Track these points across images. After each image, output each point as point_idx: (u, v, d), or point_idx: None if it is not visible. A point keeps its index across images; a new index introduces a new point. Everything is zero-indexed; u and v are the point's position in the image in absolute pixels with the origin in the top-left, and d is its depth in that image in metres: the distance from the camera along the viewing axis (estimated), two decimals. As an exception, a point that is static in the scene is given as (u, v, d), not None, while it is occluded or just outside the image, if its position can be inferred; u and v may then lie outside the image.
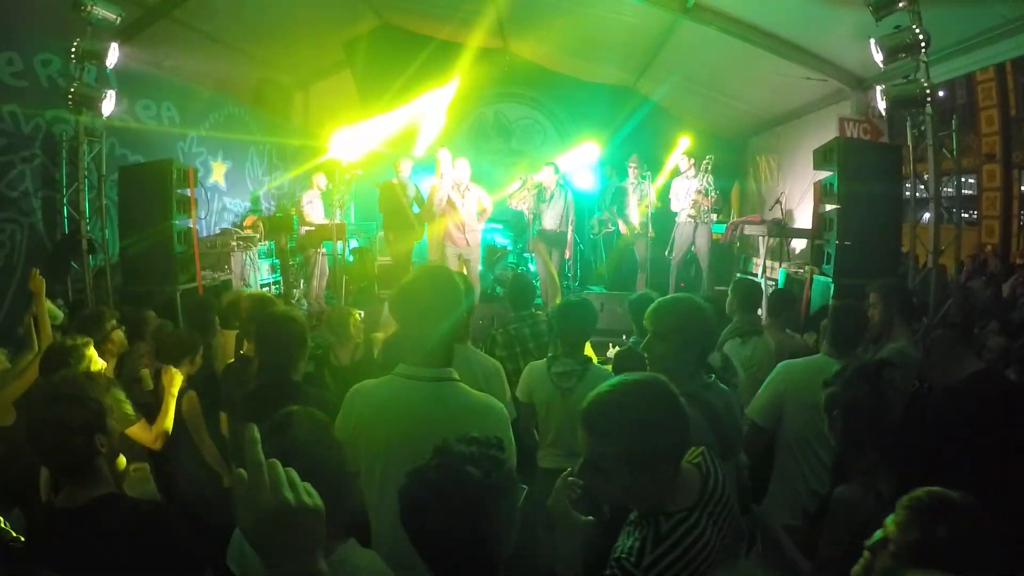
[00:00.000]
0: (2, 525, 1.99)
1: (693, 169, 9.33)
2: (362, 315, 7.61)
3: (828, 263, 6.03)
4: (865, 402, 2.48)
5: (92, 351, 3.25)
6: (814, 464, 3.13)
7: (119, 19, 6.14)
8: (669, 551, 1.69)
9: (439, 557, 1.57)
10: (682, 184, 9.50)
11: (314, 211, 9.92)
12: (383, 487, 2.18)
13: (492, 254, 10.63)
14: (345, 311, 4.76)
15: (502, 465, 1.60)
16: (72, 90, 5.96)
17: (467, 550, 1.53)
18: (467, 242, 8.73)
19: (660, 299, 2.65)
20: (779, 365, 3.40)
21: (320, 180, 10.20)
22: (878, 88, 5.46)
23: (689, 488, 1.80)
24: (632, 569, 1.68)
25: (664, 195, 9.83)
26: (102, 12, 5.92)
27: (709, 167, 9.10)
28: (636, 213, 10.20)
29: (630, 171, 10.41)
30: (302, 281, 10.07)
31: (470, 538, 1.53)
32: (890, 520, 1.74)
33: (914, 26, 5.02)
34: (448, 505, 1.52)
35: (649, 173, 9.96)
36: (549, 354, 3.71)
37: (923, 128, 5.44)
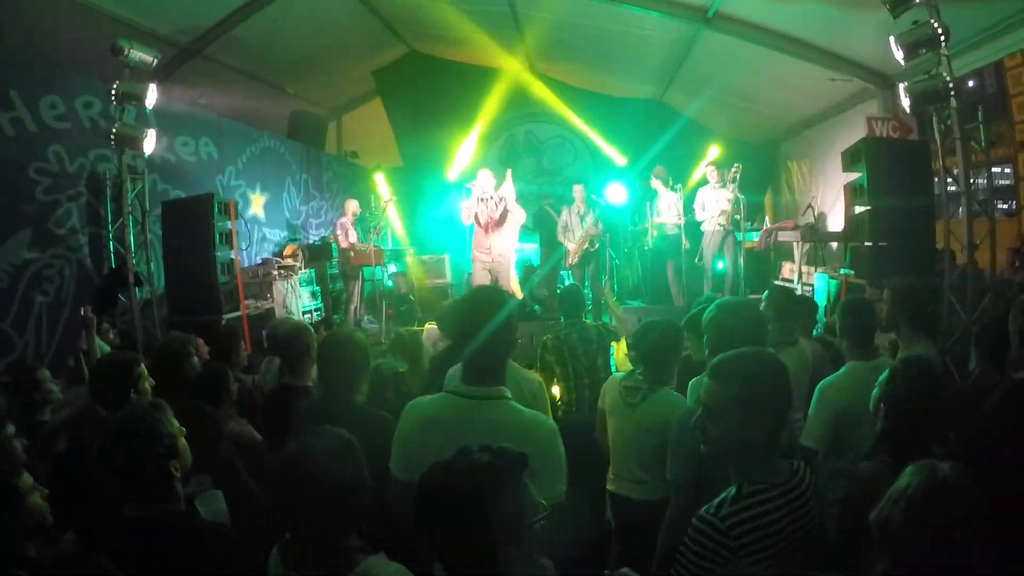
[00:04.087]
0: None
1: (720, 180, 9.35)
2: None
3: (862, 265, 5.96)
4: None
5: (144, 369, 3.36)
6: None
7: (155, 61, 6.40)
8: (745, 510, 1.86)
9: (441, 551, 1.63)
10: (709, 194, 9.52)
11: (348, 237, 10.12)
12: None
13: (527, 272, 10.70)
14: (417, 336, 4.70)
15: (501, 470, 1.65)
16: (114, 131, 6.20)
17: (464, 542, 1.59)
18: (491, 256, 8.67)
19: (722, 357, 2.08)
20: (819, 387, 3.35)
21: (353, 207, 10.43)
22: (900, 86, 5.41)
23: (778, 472, 1.98)
24: (710, 518, 1.86)
25: (688, 206, 9.81)
26: (139, 55, 6.19)
27: (737, 177, 9.07)
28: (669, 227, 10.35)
29: (652, 183, 10.48)
30: (343, 306, 10.24)
31: (464, 532, 1.59)
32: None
33: (932, 20, 4.97)
34: (446, 497, 1.60)
35: (680, 185, 9.92)
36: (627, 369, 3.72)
37: (949, 123, 5.38)
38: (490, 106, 12.53)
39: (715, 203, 9.40)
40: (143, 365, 3.30)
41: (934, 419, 2.51)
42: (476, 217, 8.65)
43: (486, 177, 8.73)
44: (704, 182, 9.73)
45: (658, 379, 3.40)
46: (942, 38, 5.00)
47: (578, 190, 9.89)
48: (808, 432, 3.27)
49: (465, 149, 12.49)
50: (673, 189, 9.95)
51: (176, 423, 2.23)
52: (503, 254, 8.74)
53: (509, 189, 8.87)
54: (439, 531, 1.63)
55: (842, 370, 3.44)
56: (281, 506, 1.87)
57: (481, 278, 8.61)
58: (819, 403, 3.30)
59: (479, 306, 2.34)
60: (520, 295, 9.35)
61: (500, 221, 8.68)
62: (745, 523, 1.84)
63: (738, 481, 1.93)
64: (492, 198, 8.63)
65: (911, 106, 5.39)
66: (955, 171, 5.54)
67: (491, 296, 2.40)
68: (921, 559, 1.68)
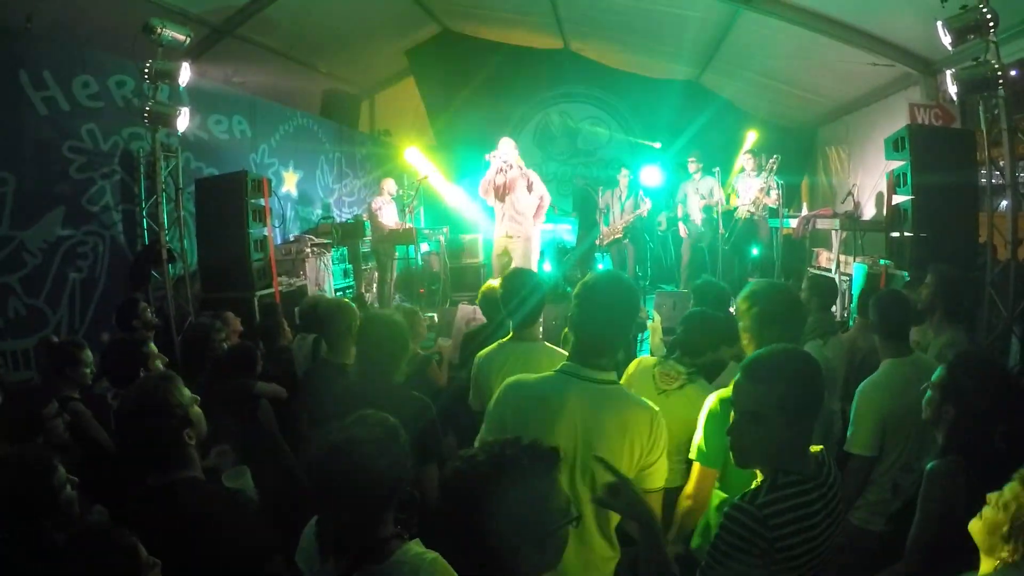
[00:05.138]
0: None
1: (757, 168, 9.26)
2: (433, 317, 7.75)
3: (903, 255, 5.80)
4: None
5: (153, 348, 3.40)
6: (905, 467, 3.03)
7: (188, 39, 6.41)
8: (781, 500, 1.77)
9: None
10: (745, 182, 9.57)
11: (384, 216, 10.12)
12: None
13: (561, 253, 10.60)
14: (414, 314, 4.57)
15: (524, 466, 1.55)
16: (147, 109, 6.23)
17: (471, 536, 1.52)
18: (506, 232, 8.36)
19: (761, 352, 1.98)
20: (861, 391, 3.18)
21: (389, 186, 10.43)
22: (948, 72, 5.21)
23: (808, 465, 1.88)
24: (745, 506, 1.77)
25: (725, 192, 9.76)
26: (171, 34, 6.19)
27: (775, 167, 8.92)
28: (698, 212, 10.19)
29: (690, 167, 10.36)
30: (375, 285, 10.28)
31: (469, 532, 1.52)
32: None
33: (981, 5, 4.77)
34: (454, 490, 1.55)
35: (717, 169, 9.81)
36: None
37: (996, 112, 5.17)
38: (524, 86, 12.43)
39: (747, 190, 9.40)
40: (152, 345, 3.36)
41: (1007, 410, 2.38)
42: (495, 189, 8.30)
43: (505, 145, 8.35)
44: (741, 169, 9.66)
45: (697, 370, 3.26)
46: (991, 24, 4.80)
47: (624, 175, 10.07)
48: (856, 439, 3.10)
49: (498, 129, 12.39)
50: (711, 174, 9.90)
51: (187, 392, 2.26)
52: (517, 235, 8.36)
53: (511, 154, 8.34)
54: (450, 522, 1.58)
55: (881, 369, 3.27)
56: (321, 493, 1.84)
57: (498, 260, 8.46)
58: (863, 407, 3.13)
59: (609, 288, 2.30)
60: None
61: (513, 191, 8.27)
62: (784, 514, 1.74)
63: (771, 472, 1.83)
64: (512, 167, 8.25)
65: (958, 93, 5.19)
66: (1001, 163, 5.34)
67: (613, 278, 2.38)
68: None
